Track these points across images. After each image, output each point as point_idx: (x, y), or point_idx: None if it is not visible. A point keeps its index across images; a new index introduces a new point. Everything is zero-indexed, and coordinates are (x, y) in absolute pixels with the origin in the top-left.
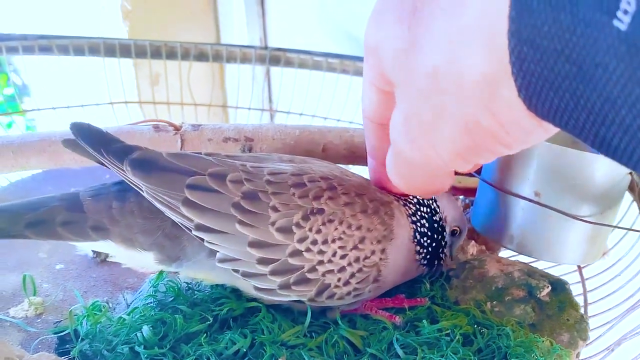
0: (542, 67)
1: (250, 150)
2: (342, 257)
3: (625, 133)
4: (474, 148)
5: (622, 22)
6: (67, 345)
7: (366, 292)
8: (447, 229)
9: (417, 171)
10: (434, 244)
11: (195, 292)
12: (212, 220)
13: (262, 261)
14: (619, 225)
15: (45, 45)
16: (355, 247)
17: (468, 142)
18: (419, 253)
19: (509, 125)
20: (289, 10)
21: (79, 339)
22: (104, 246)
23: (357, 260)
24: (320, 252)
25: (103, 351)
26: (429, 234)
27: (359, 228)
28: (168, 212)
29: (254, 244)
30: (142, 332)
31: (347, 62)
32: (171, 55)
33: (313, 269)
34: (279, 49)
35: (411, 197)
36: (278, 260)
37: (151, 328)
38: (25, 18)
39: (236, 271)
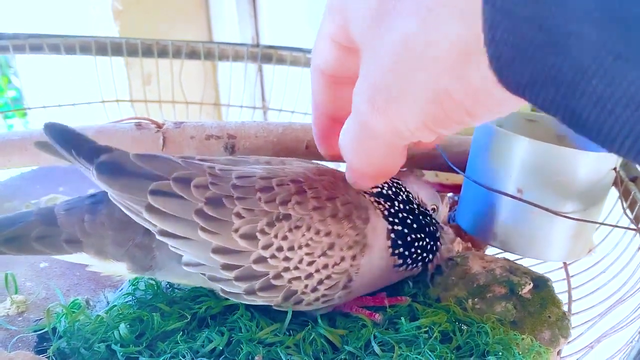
0: (514, 36)
1: (232, 147)
2: (310, 263)
3: (596, 105)
4: (442, 119)
5: None
6: (46, 344)
7: (336, 298)
8: (431, 213)
9: (377, 144)
10: (427, 240)
11: (175, 290)
12: (175, 226)
13: (226, 267)
14: (602, 222)
15: (36, 44)
16: (323, 254)
17: (436, 113)
18: (399, 257)
19: (480, 96)
20: (280, 9)
21: (57, 337)
22: (78, 258)
23: (325, 267)
24: (286, 258)
25: (80, 349)
26: (418, 235)
27: (327, 234)
28: (134, 217)
29: (218, 250)
30: (119, 330)
31: None
32: (163, 53)
33: (278, 276)
34: (270, 47)
35: (384, 190)
36: (242, 266)
37: (128, 326)
38: (14, 20)
39: (203, 274)
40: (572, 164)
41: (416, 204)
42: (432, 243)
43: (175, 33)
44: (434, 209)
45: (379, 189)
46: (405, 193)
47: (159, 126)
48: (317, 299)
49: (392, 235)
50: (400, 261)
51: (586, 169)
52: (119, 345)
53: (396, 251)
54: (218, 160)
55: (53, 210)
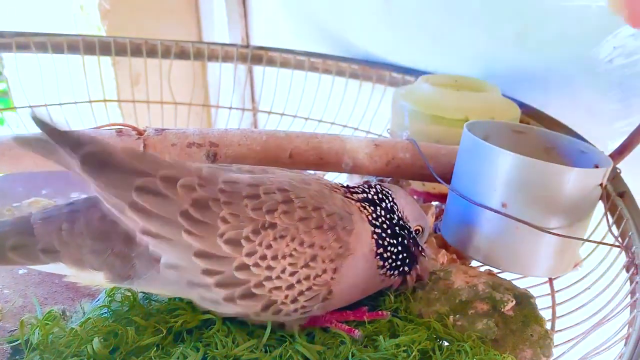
0: None
1: (215, 155)
2: (292, 274)
3: None
4: None
5: None
6: (19, 356)
7: (315, 309)
8: (412, 228)
9: None
10: (400, 247)
11: (152, 302)
12: (159, 226)
13: (207, 272)
14: (587, 239)
15: (22, 42)
16: (306, 265)
17: None
18: (382, 267)
19: None
20: (271, 10)
21: (31, 350)
22: (56, 268)
23: (307, 278)
24: (269, 267)
25: None
26: (394, 241)
27: (311, 246)
28: (116, 213)
29: (200, 254)
30: (92, 344)
31: (329, 61)
32: (152, 53)
33: (260, 285)
34: (261, 48)
35: (370, 195)
36: (223, 272)
37: (102, 340)
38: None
39: (181, 279)
40: (558, 179)
41: (398, 216)
42: (404, 255)
43: (164, 33)
44: (418, 231)
45: (365, 194)
46: (391, 203)
47: (140, 133)
48: (295, 310)
49: (375, 237)
50: (382, 263)
51: (572, 184)
52: None
53: (378, 250)
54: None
55: (29, 220)
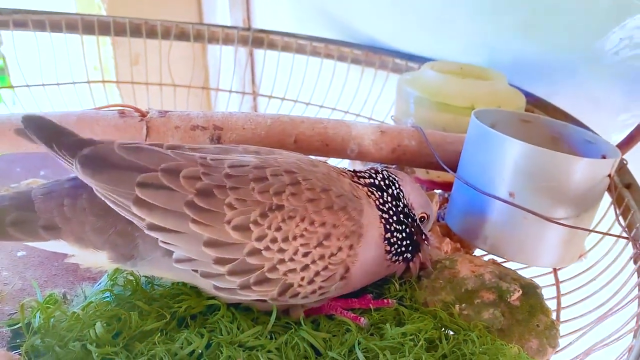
0: None
1: (219, 139)
2: (305, 254)
3: None
4: None
5: None
6: (19, 339)
7: (332, 290)
8: (416, 215)
9: None
10: (405, 234)
11: (155, 286)
12: (165, 219)
13: (219, 261)
14: (594, 229)
15: (20, 20)
16: (319, 244)
17: None
18: (389, 252)
19: None
20: None
21: (32, 333)
22: (57, 246)
23: (322, 257)
24: (281, 250)
25: (55, 347)
26: (399, 227)
27: (323, 224)
28: (121, 212)
29: (210, 244)
30: (95, 329)
31: (331, 46)
32: (151, 34)
33: (273, 268)
34: (262, 31)
35: (377, 181)
36: (236, 260)
37: (105, 325)
38: None
39: (195, 271)
40: (566, 169)
41: (403, 203)
42: (408, 242)
43: (165, 13)
44: (423, 218)
45: (372, 180)
46: (397, 190)
47: (143, 115)
48: (313, 292)
49: (383, 222)
50: (389, 248)
51: (581, 175)
52: (94, 345)
53: (386, 235)
54: (208, 149)
55: (30, 195)
